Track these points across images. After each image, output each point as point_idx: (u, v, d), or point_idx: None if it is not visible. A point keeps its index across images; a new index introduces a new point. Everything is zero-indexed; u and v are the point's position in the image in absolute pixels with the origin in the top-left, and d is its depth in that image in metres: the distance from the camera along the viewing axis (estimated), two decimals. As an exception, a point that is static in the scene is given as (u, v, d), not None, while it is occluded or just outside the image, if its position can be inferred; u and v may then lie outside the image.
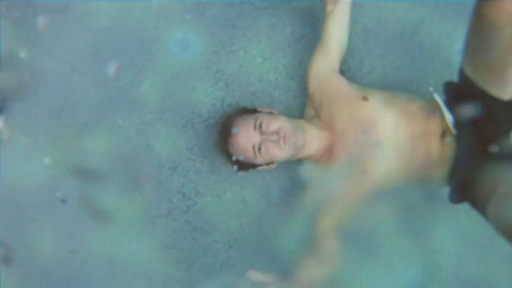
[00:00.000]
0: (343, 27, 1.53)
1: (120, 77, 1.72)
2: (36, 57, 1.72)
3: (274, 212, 1.74)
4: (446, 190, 1.46)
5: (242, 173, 1.68)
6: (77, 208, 1.74)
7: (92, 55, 1.73)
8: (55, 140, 1.73)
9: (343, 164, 1.47)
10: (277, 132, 1.42)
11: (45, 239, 1.74)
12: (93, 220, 1.74)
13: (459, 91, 1.36)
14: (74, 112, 1.73)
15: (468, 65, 1.26)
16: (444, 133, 1.38)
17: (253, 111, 1.56)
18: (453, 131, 1.34)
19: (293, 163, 1.69)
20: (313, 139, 1.50)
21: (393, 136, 1.42)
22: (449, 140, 1.36)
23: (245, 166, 1.54)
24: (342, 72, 1.61)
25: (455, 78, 1.38)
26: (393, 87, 1.70)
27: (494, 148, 1.29)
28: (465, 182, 1.36)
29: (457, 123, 1.34)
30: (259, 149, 1.44)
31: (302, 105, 1.70)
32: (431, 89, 1.43)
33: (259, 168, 1.55)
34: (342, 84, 1.52)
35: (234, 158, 1.53)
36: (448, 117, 1.34)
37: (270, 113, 1.54)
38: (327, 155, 1.50)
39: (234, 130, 1.48)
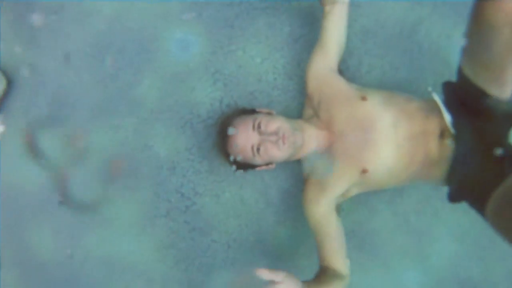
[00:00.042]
0: (341, 27, 1.53)
1: (119, 77, 1.72)
2: (35, 57, 1.72)
3: (273, 212, 1.74)
4: (445, 190, 1.46)
5: (241, 173, 1.68)
6: (75, 209, 1.74)
7: (91, 55, 1.73)
8: (54, 140, 1.73)
9: (342, 164, 1.47)
10: (276, 133, 1.42)
11: (44, 240, 1.74)
12: (92, 220, 1.74)
13: (458, 91, 1.36)
14: (72, 112, 1.73)
15: (467, 65, 1.26)
16: (442, 132, 1.38)
17: (251, 111, 1.55)
18: (452, 130, 1.34)
19: (292, 163, 1.69)
20: (311, 139, 1.50)
21: (392, 136, 1.42)
22: (447, 139, 1.36)
23: (244, 166, 1.54)
24: (341, 72, 1.61)
25: (453, 78, 1.38)
26: (391, 87, 1.70)
27: (499, 151, 1.29)
28: (463, 182, 1.36)
29: (456, 123, 1.34)
30: (258, 149, 1.44)
31: (301, 105, 1.70)
32: (429, 88, 1.42)
33: (258, 168, 1.55)
34: (340, 84, 1.52)
35: (231, 160, 1.53)
36: (447, 117, 1.34)
37: (269, 114, 1.54)
38: (326, 155, 1.50)
39: (230, 130, 1.48)
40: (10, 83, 1.71)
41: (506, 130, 1.35)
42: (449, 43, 1.70)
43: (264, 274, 1.09)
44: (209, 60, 1.72)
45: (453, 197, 1.42)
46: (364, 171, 1.44)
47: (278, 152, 1.44)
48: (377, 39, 1.72)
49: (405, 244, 1.76)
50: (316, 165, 1.52)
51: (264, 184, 1.74)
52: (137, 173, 1.73)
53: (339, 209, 1.63)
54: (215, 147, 1.70)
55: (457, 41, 1.26)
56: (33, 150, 1.73)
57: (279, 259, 1.74)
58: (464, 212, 1.68)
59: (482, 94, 1.26)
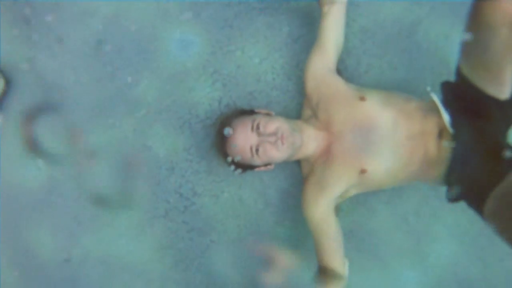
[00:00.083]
0: (339, 27, 1.53)
1: (117, 77, 1.72)
2: (34, 57, 1.72)
3: (271, 212, 1.74)
4: (443, 189, 1.46)
5: (240, 174, 1.68)
6: (74, 209, 1.74)
7: (89, 55, 1.72)
8: (52, 140, 1.73)
9: (341, 164, 1.47)
10: (274, 133, 1.42)
11: (43, 240, 1.74)
12: (91, 221, 1.74)
13: (456, 91, 1.36)
14: (71, 112, 1.72)
15: (465, 65, 1.26)
16: (441, 132, 1.38)
17: (250, 112, 1.55)
18: (450, 130, 1.34)
19: (291, 164, 1.69)
20: (310, 140, 1.51)
21: (391, 136, 1.42)
22: (446, 139, 1.36)
23: (242, 167, 1.54)
24: (339, 72, 1.61)
25: (452, 77, 1.38)
26: (390, 86, 1.70)
27: (508, 154, 1.29)
28: (462, 182, 1.36)
29: (454, 123, 1.34)
30: (257, 150, 1.44)
31: (300, 105, 1.70)
32: (428, 88, 1.43)
33: (257, 169, 1.55)
34: (339, 84, 1.52)
35: (230, 159, 1.53)
36: (445, 117, 1.34)
37: (268, 114, 1.54)
38: (325, 155, 1.50)
39: (226, 130, 1.48)
40: (8, 82, 1.71)
41: (505, 130, 1.36)
42: (447, 43, 1.71)
43: (269, 275, 1.10)
44: (207, 60, 1.72)
45: (451, 197, 1.42)
46: (362, 171, 1.44)
47: (277, 153, 1.44)
48: (376, 39, 1.72)
49: (404, 244, 1.76)
50: None
51: (263, 184, 1.74)
52: (136, 173, 1.73)
53: (338, 209, 1.63)
54: (213, 148, 1.70)
55: (456, 40, 1.26)
56: (33, 148, 1.72)
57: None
58: (462, 212, 1.68)
59: (480, 94, 1.26)
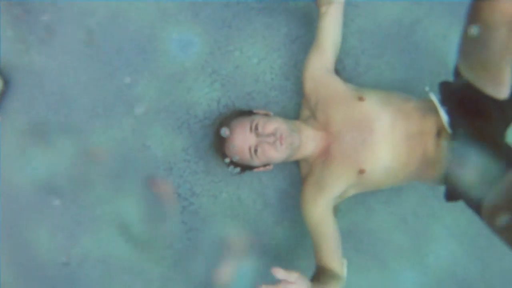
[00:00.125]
0: (337, 27, 1.53)
1: (116, 77, 1.72)
2: (32, 57, 1.72)
3: (270, 213, 1.74)
4: (442, 189, 1.46)
5: (238, 174, 1.68)
6: (73, 209, 1.73)
7: (87, 55, 1.72)
8: (51, 141, 1.73)
9: (339, 164, 1.47)
10: (273, 134, 1.42)
11: (42, 240, 1.74)
12: (90, 221, 1.74)
13: (455, 91, 1.36)
14: (70, 112, 1.72)
15: (463, 65, 1.26)
16: (439, 132, 1.38)
17: (249, 113, 1.55)
18: (449, 130, 1.34)
19: (290, 164, 1.69)
20: (309, 140, 1.50)
21: (389, 136, 1.42)
22: (444, 139, 1.36)
23: (241, 168, 1.54)
24: (337, 72, 1.61)
25: (450, 77, 1.38)
26: (388, 86, 1.70)
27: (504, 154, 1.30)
28: (460, 181, 1.36)
29: (452, 123, 1.34)
30: (256, 151, 1.44)
31: (298, 105, 1.70)
32: (426, 88, 1.43)
33: (255, 170, 1.55)
34: (337, 84, 1.52)
35: (229, 161, 1.53)
36: (444, 117, 1.34)
37: (266, 115, 1.54)
38: (324, 155, 1.50)
39: (223, 130, 1.48)
40: (7, 83, 1.70)
41: (503, 130, 1.36)
42: (445, 43, 1.71)
43: (279, 273, 1.10)
44: (206, 61, 1.72)
45: (450, 196, 1.42)
46: (361, 172, 1.44)
47: (276, 153, 1.44)
48: (374, 39, 1.72)
49: (403, 244, 1.76)
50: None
51: (262, 185, 1.74)
52: (134, 173, 1.73)
53: (336, 210, 1.63)
54: (212, 148, 1.70)
55: (454, 40, 1.26)
56: (30, 150, 1.72)
57: (276, 259, 1.74)
58: (461, 212, 1.68)
59: (479, 94, 1.26)
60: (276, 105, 1.72)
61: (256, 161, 1.47)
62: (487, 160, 1.31)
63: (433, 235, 1.76)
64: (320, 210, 1.48)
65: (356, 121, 1.45)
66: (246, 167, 1.54)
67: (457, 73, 1.30)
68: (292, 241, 1.74)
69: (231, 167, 1.55)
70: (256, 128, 1.44)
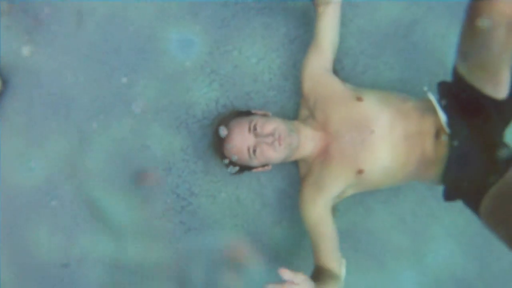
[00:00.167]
0: (335, 27, 1.53)
1: (115, 77, 1.72)
2: (30, 57, 1.72)
3: (269, 212, 1.74)
4: (440, 189, 1.46)
5: (237, 175, 1.68)
6: (72, 210, 1.73)
7: (86, 55, 1.72)
8: (50, 141, 1.72)
9: (338, 164, 1.47)
10: (271, 134, 1.42)
11: (41, 240, 1.74)
12: (89, 222, 1.73)
13: (453, 91, 1.36)
14: (68, 112, 1.72)
15: (462, 65, 1.26)
16: (438, 132, 1.38)
17: (247, 113, 1.55)
18: (447, 130, 1.34)
19: (288, 164, 1.69)
20: (307, 140, 1.51)
21: (388, 136, 1.42)
22: (443, 139, 1.36)
23: (240, 168, 1.54)
24: (336, 72, 1.61)
25: (449, 77, 1.38)
26: (387, 86, 1.70)
27: (504, 153, 1.30)
28: (459, 181, 1.36)
29: (451, 123, 1.34)
30: (254, 151, 1.44)
31: (297, 105, 1.70)
32: (425, 88, 1.43)
33: (254, 170, 1.55)
34: (335, 84, 1.52)
35: (227, 161, 1.53)
36: (442, 117, 1.34)
37: (265, 115, 1.54)
38: (322, 155, 1.50)
39: (221, 129, 1.48)
40: (5, 83, 1.70)
41: (502, 130, 1.36)
42: (444, 43, 1.71)
43: (285, 274, 1.10)
44: (205, 60, 1.72)
45: (448, 196, 1.42)
46: (360, 172, 1.44)
47: (274, 154, 1.44)
48: (373, 39, 1.72)
49: (401, 244, 1.76)
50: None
51: (260, 185, 1.74)
52: (133, 173, 1.73)
53: (335, 210, 1.63)
54: (210, 148, 1.70)
55: (453, 40, 1.26)
56: (29, 151, 1.72)
57: (275, 258, 1.74)
58: (459, 212, 1.69)
59: (477, 94, 1.26)
60: (275, 105, 1.72)
61: (254, 162, 1.47)
62: (486, 160, 1.31)
63: (432, 235, 1.76)
64: (318, 210, 1.48)
65: (355, 121, 1.45)
66: (244, 167, 1.54)
67: (455, 73, 1.30)
68: (290, 241, 1.74)
69: (230, 167, 1.55)
70: (255, 129, 1.44)
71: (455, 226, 1.75)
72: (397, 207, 1.75)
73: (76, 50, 1.72)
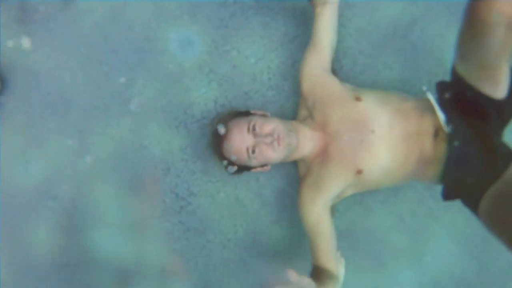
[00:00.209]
0: (332, 27, 1.53)
1: (113, 77, 1.72)
2: (29, 57, 1.71)
3: (268, 212, 1.74)
4: (439, 189, 1.46)
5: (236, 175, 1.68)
6: (71, 209, 1.73)
7: (84, 55, 1.72)
8: (49, 141, 1.72)
9: (337, 164, 1.47)
10: (270, 134, 1.42)
11: (40, 240, 1.74)
12: (87, 221, 1.73)
13: (452, 90, 1.36)
14: (67, 112, 1.72)
15: (460, 64, 1.26)
16: (437, 132, 1.38)
17: (246, 113, 1.55)
18: (446, 130, 1.34)
19: (287, 164, 1.69)
20: (306, 140, 1.51)
21: (387, 136, 1.42)
22: (442, 139, 1.36)
23: (239, 168, 1.54)
24: (335, 72, 1.61)
25: (448, 77, 1.38)
26: (386, 86, 1.70)
27: (501, 153, 1.30)
28: (458, 181, 1.36)
29: (450, 122, 1.34)
30: (253, 151, 1.44)
31: (295, 105, 1.70)
32: (424, 88, 1.43)
33: (253, 170, 1.55)
34: (334, 84, 1.52)
35: (226, 162, 1.53)
36: (441, 116, 1.34)
37: (263, 115, 1.54)
38: (321, 155, 1.50)
39: (219, 128, 1.48)
40: (4, 82, 1.70)
41: (500, 129, 1.36)
42: (443, 42, 1.71)
43: (292, 275, 1.10)
44: (203, 60, 1.72)
45: (447, 195, 1.42)
46: (359, 172, 1.44)
47: (273, 154, 1.44)
48: (372, 39, 1.72)
49: (400, 243, 1.76)
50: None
51: (259, 184, 1.74)
52: (131, 173, 1.73)
53: (334, 210, 1.63)
54: (209, 147, 1.70)
55: (452, 40, 1.26)
56: (27, 151, 1.72)
57: (274, 258, 1.74)
58: (458, 211, 1.69)
59: (476, 93, 1.26)
60: (274, 104, 1.72)
61: (253, 162, 1.47)
62: (485, 160, 1.31)
63: (431, 235, 1.76)
64: (317, 210, 1.48)
65: (354, 121, 1.45)
66: (243, 168, 1.54)
67: (454, 72, 1.30)
68: (289, 241, 1.74)
69: (229, 167, 1.54)
70: (254, 129, 1.44)
71: (454, 226, 1.75)
72: (396, 206, 1.75)
73: (75, 49, 1.72)
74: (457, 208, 1.44)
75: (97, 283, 1.74)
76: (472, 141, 1.33)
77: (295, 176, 1.71)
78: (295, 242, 1.74)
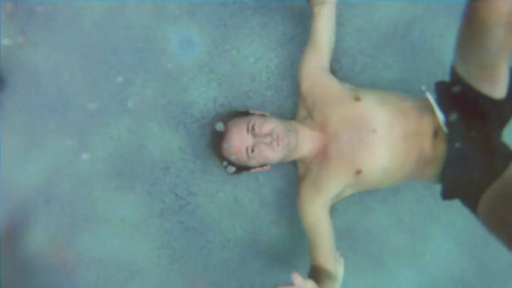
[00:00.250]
0: (330, 27, 1.54)
1: (112, 76, 1.72)
2: (28, 56, 1.71)
3: (267, 212, 1.74)
4: (438, 189, 1.46)
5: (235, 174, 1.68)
6: (70, 209, 1.73)
7: (83, 55, 1.72)
8: (48, 140, 1.72)
9: (336, 164, 1.46)
10: (270, 134, 1.42)
11: (39, 239, 1.74)
12: (87, 221, 1.73)
13: (451, 90, 1.36)
14: (66, 112, 1.72)
15: (460, 64, 1.26)
16: (436, 132, 1.38)
17: (245, 113, 1.55)
18: (445, 129, 1.34)
19: (286, 163, 1.69)
20: (305, 140, 1.50)
21: (386, 136, 1.42)
22: (441, 138, 1.36)
23: (238, 168, 1.54)
24: (334, 71, 1.61)
25: (447, 77, 1.38)
26: (385, 86, 1.70)
27: (501, 153, 1.29)
28: (457, 180, 1.36)
29: (449, 122, 1.34)
30: (252, 151, 1.44)
31: (294, 105, 1.70)
32: (423, 87, 1.43)
33: (252, 170, 1.55)
34: (333, 84, 1.52)
35: (226, 162, 1.53)
36: (440, 116, 1.34)
37: (263, 115, 1.54)
38: (321, 156, 1.50)
39: (218, 125, 1.48)
40: (2, 82, 1.70)
41: (500, 129, 1.36)
42: (442, 42, 1.71)
43: (297, 279, 1.10)
44: (202, 60, 1.72)
45: (446, 195, 1.42)
46: (358, 172, 1.44)
47: (272, 154, 1.44)
48: (371, 38, 1.72)
49: (399, 243, 1.76)
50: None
51: (258, 184, 1.74)
52: (131, 173, 1.72)
53: (333, 210, 1.63)
54: (208, 147, 1.70)
55: (451, 40, 1.26)
56: (26, 150, 1.72)
57: (273, 258, 1.74)
58: (458, 211, 1.69)
59: (475, 93, 1.26)
60: (273, 104, 1.72)
61: (253, 162, 1.47)
62: (484, 159, 1.31)
63: (430, 234, 1.76)
64: (316, 210, 1.48)
65: (353, 121, 1.45)
66: (243, 168, 1.54)
67: (453, 72, 1.30)
68: (288, 240, 1.74)
69: (228, 167, 1.54)
70: (253, 129, 1.44)
71: (453, 226, 1.75)
72: (395, 206, 1.75)
73: (74, 49, 1.72)
74: (457, 208, 1.44)
75: (97, 283, 1.74)
76: (472, 141, 1.33)
77: (294, 176, 1.71)
78: (294, 242, 1.74)
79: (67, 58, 1.72)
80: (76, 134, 1.72)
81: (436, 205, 1.74)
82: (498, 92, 1.24)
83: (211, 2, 1.70)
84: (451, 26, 1.69)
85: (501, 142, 1.36)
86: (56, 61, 1.72)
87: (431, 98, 1.38)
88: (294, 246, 1.74)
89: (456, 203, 1.40)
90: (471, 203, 1.29)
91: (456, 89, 1.29)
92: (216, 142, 1.54)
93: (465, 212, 1.35)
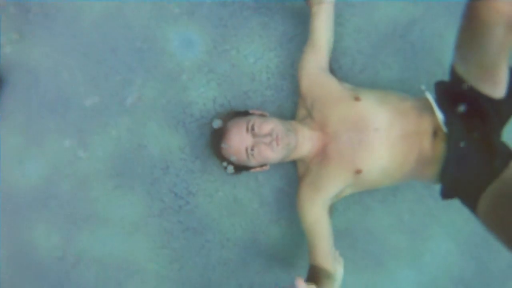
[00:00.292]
0: (329, 27, 1.54)
1: (111, 76, 1.72)
2: (28, 56, 1.71)
3: (266, 212, 1.74)
4: (438, 188, 1.46)
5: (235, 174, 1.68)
6: (70, 209, 1.73)
7: (83, 55, 1.72)
8: (48, 140, 1.72)
9: (336, 164, 1.46)
10: (269, 134, 1.43)
11: (39, 239, 1.74)
12: (86, 220, 1.73)
13: (451, 90, 1.36)
14: (66, 111, 1.72)
15: (459, 64, 1.26)
16: (436, 131, 1.38)
17: (245, 113, 1.55)
18: (444, 129, 1.34)
19: (286, 163, 1.69)
20: (305, 140, 1.51)
21: (386, 135, 1.42)
22: (440, 138, 1.36)
23: (238, 168, 1.54)
24: (333, 71, 1.61)
25: (446, 77, 1.38)
26: (385, 86, 1.70)
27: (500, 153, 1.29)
28: (456, 180, 1.36)
29: (448, 122, 1.34)
30: (252, 151, 1.44)
31: (294, 104, 1.70)
32: (423, 87, 1.43)
33: (252, 170, 1.55)
34: (332, 84, 1.52)
35: (225, 163, 1.53)
36: (439, 116, 1.34)
37: (262, 115, 1.54)
38: (320, 155, 1.50)
39: (216, 122, 1.48)
40: (2, 82, 1.70)
41: (499, 129, 1.36)
42: (442, 42, 1.71)
43: (300, 283, 1.10)
44: (202, 60, 1.72)
45: (446, 194, 1.42)
46: (358, 172, 1.44)
47: (272, 154, 1.44)
48: (371, 38, 1.72)
49: (399, 242, 1.76)
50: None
51: (258, 184, 1.74)
52: (130, 173, 1.72)
53: (332, 209, 1.63)
54: (208, 147, 1.70)
55: (451, 40, 1.26)
56: (26, 150, 1.72)
57: (273, 258, 1.74)
58: (457, 211, 1.69)
59: (475, 93, 1.26)
60: (272, 104, 1.72)
61: (252, 162, 1.47)
62: (483, 159, 1.31)
63: (430, 234, 1.76)
64: (316, 210, 1.48)
65: (353, 121, 1.45)
66: (242, 168, 1.54)
67: (453, 72, 1.30)
68: (288, 240, 1.74)
69: (228, 167, 1.54)
70: (253, 129, 1.44)
71: (453, 225, 1.75)
72: (395, 206, 1.75)
73: (74, 49, 1.72)
74: (456, 208, 1.44)
75: (96, 282, 1.74)
76: (471, 140, 1.33)
77: (294, 175, 1.71)
78: (294, 242, 1.74)
79: (67, 58, 1.72)
80: (76, 134, 1.72)
81: (436, 205, 1.74)
82: (498, 92, 1.24)
83: (211, 2, 1.70)
84: (451, 26, 1.69)
85: (501, 141, 1.36)
86: (56, 61, 1.72)
87: (430, 98, 1.38)
88: (294, 246, 1.74)
89: (456, 203, 1.40)
90: (471, 203, 1.30)
91: (465, 85, 1.28)
92: (215, 142, 1.54)
93: (465, 212, 1.35)
